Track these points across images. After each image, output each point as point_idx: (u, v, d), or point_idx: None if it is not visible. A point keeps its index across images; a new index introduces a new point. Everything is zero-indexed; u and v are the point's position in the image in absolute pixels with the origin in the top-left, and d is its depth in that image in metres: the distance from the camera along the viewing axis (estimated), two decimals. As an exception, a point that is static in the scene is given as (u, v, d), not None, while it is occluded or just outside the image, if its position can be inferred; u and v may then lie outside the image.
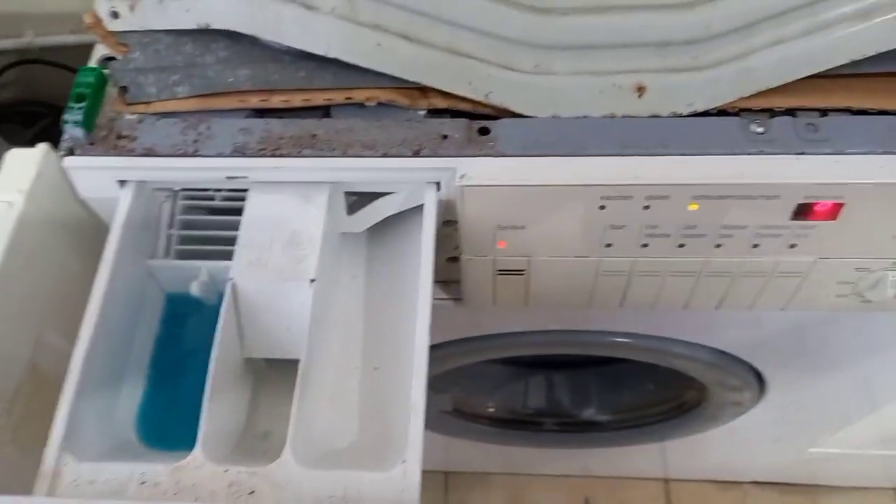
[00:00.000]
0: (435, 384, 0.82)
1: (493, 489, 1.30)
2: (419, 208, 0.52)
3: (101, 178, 0.51)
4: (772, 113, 0.49)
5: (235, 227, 0.51)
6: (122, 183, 0.51)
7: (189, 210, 0.54)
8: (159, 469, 0.42)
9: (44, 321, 0.53)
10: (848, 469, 1.06)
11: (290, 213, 0.50)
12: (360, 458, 0.45)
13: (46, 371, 0.52)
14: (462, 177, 0.47)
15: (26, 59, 0.99)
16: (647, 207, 0.48)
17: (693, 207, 0.48)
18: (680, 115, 0.48)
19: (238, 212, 0.52)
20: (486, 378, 0.95)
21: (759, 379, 0.75)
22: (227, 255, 0.50)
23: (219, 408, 0.45)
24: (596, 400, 0.95)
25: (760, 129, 0.48)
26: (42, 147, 0.52)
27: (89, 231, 0.57)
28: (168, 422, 0.50)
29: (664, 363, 0.72)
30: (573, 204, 0.48)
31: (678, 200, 0.47)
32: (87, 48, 0.55)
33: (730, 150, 0.47)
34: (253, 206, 0.51)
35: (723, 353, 0.69)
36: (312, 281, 0.47)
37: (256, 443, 0.50)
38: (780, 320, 0.64)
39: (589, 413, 0.95)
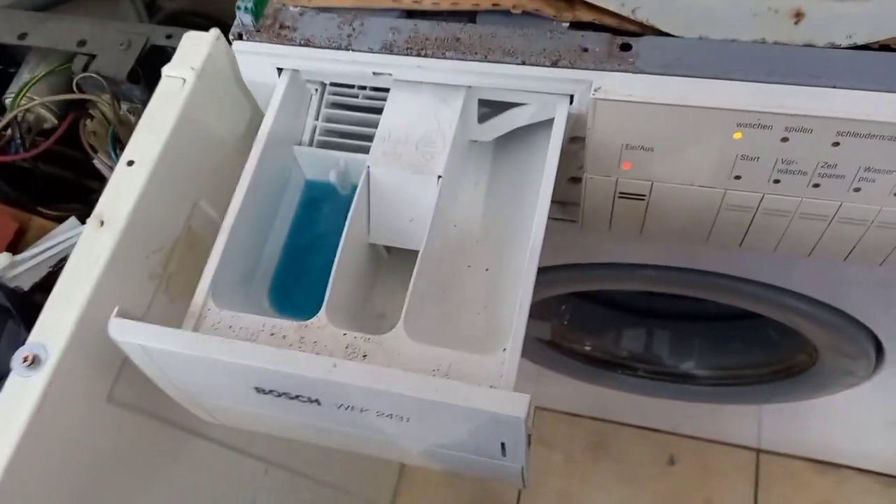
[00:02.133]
0: (538, 310, 0.84)
1: (578, 431, 1.32)
2: (547, 124, 0.53)
3: (262, 64, 0.55)
4: (942, 53, 0.45)
5: (373, 124, 0.54)
6: (280, 71, 0.56)
7: (333, 105, 0.58)
8: (287, 325, 0.47)
9: (199, 189, 0.59)
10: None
11: (426, 113, 0.53)
12: (464, 343, 0.48)
13: (198, 233, 0.59)
14: (597, 90, 0.48)
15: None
16: (785, 140, 0.46)
17: (835, 145, 0.46)
18: (837, 47, 0.46)
19: (377, 111, 0.55)
20: (589, 317, 0.96)
21: (879, 349, 0.71)
22: (363, 150, 0.53)
23: (343, 281, 0.49)
24: (697, 354, 0.93)
25: (926, 70, 0.45)
26: (214, 31, 0.58)
27: (244, 115, 0.62)
28: (296, 292, 0.56)
29: (776, 316, 0.70)
30: (707, 128, 0.47)
31: (821, 135, 0.46)
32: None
33: (887, 88, 0.45)
34: (393, 103, 0.54)
35: (842, 313, 0.67)
36: (440, 177, 0.50)
37: (372, 321, 0.54)
38: (913, 285, 0.60)
39: (688, 366, 0.94)
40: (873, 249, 0.53)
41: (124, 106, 0.62)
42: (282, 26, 0.55)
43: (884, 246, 0.52)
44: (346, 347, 0.45)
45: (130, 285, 0.53)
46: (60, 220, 0.66)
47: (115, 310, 0.46)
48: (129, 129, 0.60)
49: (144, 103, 0.61)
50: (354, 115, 0.57)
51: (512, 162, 0.58)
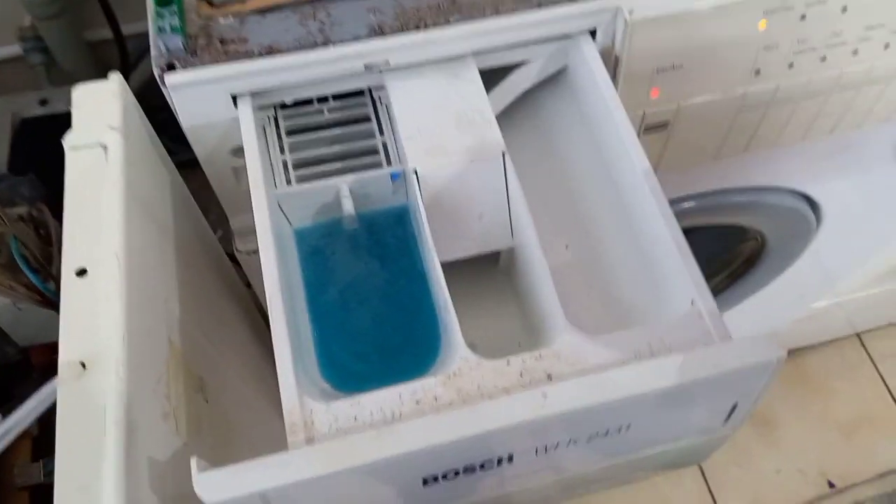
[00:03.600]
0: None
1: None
2: (541, 85, 0.48)
3: (211, 95, 0.42)
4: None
5: (352, 138, 0.45)
6: (234, 100, 0.43)
7: (293, 132, 0.47)
8: (429, 383, 0.35)
9: (164, 286, 0.43)
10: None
11: (444, 93, 0.44)
12: (633, 316, 0.41)
13: (176, 345, 0.43)
14: (631, 12, 0.44)
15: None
16: (803, 17, 0.47)
17: (844, 11, 0.48)
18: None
19: (352, 122, 0.46)
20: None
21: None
22: (352, 170, 0.43)
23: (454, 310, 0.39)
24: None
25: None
26: (115, 75, 0.42)
27: (164, 179, 0.47)
28: (347, 360, 0.43)
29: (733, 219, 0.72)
30: (737, 24, 0.46)
31: (834, 3, 0.47)
32: None
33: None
34: (400, 95, 0.44)
35: (782, 189, 0.70)
36: (503, 153, 0.42)
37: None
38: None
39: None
40: (858, 116, 0.56)
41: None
42: (223, 41, 0.42)
43: (870, 107, 0.56)
44: (521, 376, 0.35)
45: (153, 440, 0.36)
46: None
47: (195, 462, 0.30)
48: (32, 239, 0.42)
49: (33, 200, 0.43)
50: (327, 133, 0.46)
51: (518, 129, 0.51)
